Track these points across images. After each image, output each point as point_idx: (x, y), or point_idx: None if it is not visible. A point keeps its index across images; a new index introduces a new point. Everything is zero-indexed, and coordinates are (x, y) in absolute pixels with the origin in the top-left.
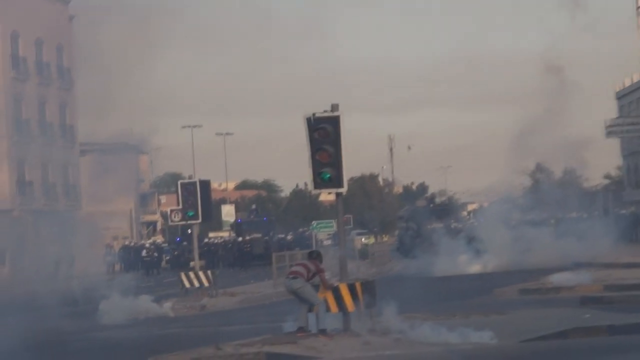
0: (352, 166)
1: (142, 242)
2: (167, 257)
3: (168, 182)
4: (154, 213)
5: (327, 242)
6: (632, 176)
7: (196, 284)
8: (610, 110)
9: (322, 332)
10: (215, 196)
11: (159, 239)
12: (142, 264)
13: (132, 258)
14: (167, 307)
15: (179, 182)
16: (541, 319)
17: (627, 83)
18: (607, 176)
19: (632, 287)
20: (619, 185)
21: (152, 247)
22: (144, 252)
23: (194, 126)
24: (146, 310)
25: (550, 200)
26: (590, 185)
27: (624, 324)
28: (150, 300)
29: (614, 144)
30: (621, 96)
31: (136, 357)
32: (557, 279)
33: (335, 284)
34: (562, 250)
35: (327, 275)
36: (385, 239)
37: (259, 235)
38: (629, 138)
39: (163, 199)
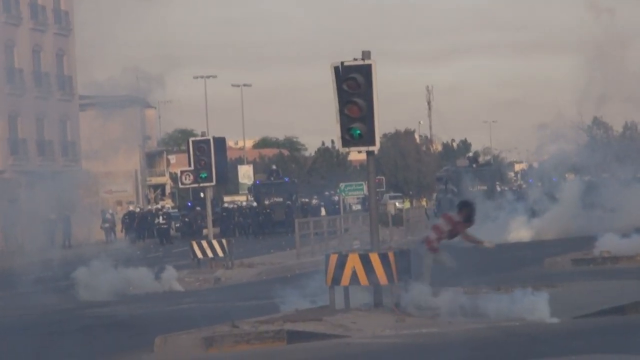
0: (385, 121)
1: (149, 207)
2: (177, 225)
3: (178, 140)
4: (162, 175)
5: (356, 207)
6: None
7: (209, 254)
8: None
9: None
10: (231, 155)
11: (168, 203)
12: (157, 231)
13: (139, 225)
14: (168, 279)
15: (190, 140)
16: (597, 292)
17: None
18: None
19: None
20: None
21: (161, 213)
22: (160, 219)
23: (208, 77)
24: (139, 286)
25: (610, 158)
26: None
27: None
28: (150, 273)
29: None
30: None
31: (143, 336)
32: (616, 246)
33: (487, 244)
34: (621, 215)
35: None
36: (423, 203)
37: (279, 199)
38: None
39: (172, 158)
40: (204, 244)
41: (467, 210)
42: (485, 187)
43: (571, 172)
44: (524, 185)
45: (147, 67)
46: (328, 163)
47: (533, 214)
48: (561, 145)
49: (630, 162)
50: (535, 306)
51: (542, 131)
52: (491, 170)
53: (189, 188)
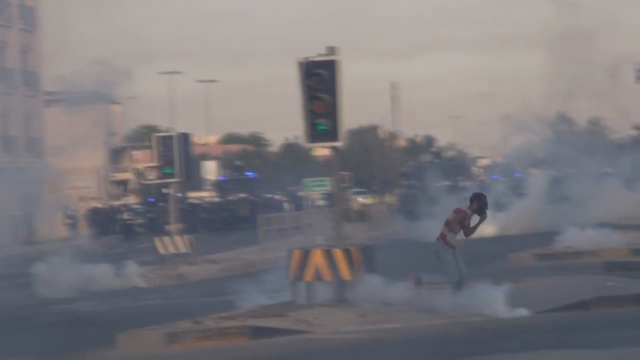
0: (350, 117)
1: (114, 203)
2: (141, 220)
3: (143, 136)
4: (127, 171)
5: (319, 202)
6: None
7: (173, 250)
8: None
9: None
10: (196, 151)
11: (132, 199)
12: (121, 227)
13: (103, 221)
14: (130, 276)
15: (155, 136)
16: (560, 287)
17: None
18: (636, 127)
19: None
20: None
21: (124, 208)
22: (126, 215)
23: (173, 72)
24: (101, 282)
25: (573, 154)
26: (618, 137)
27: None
28: (112, 269)
29: None
30: None
31: (106, 333)
32: (579, 241)
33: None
34: (584, 210)
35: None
36: (388, 198)
37: (244, 195)
38: None
39: (137, 154)
40: (168, 240)
41: (478, 203)
42: (449, 182)
43: (535, 167)
44: (488, 181)
45: (112, 63)
46: (293, 159)
47: (497, 209)
48: (525, 138)
49: (594, 157)
50: (497, 301)
51: (505, 123)
52: (455, 166)
53: (153, 184)
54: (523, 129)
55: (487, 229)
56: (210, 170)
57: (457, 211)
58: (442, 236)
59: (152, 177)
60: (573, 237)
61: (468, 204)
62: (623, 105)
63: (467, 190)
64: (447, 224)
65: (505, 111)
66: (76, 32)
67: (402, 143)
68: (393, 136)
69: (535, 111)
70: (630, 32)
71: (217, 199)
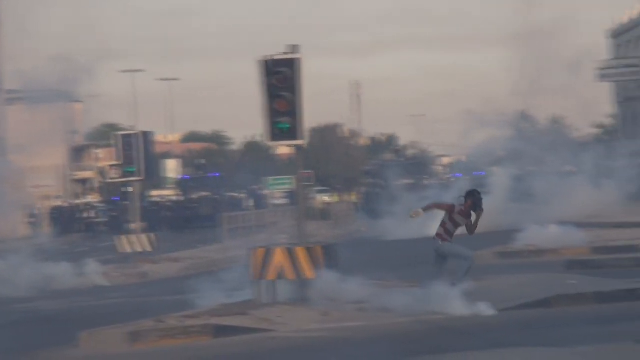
0: (312, 115)
1: (77, 202)
2: (104, 219)
3: (105, 134)
4: (89, 169)
5: (280, 201)
6: (628, 125)
7: (136, 248)
8: (604, 50)
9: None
10: (158, 150)
11: (95, 198)
12: (84, 226)
13: (66, 219)
14: (92, 274)
15: (116, 134)
16: (521, 285)
17: (625, 20)
18: (599, 125)
19: (622, 249)
20: (612, 135)
21: (86, 207)
22: (90, 213)
23: (135, 71)
24: (63, 281)
25: (535, 152)
26: (580, 135)
27: (613, 291)
28: (73, 267)
29: (608, 88)
30: (617, 35)
31: (68, 332)
32: (541, 239)
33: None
34: (546, 208)
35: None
36: (352, 197)
37: (207, 193)
38: (624, 82)
39: (100, 153)
40: (131, 238)
41: (472, 199)
42: (411, 181)
43: (497, 166)
44: (452, 179)
45: (74, 60)
46: (256, 157)
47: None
48: (487, 135)
49: (556, 155)
50: (458, 300)
51: (467, 118)
52: (417, 164)
53: (116, 182)
54: (485, 124)
55: None
56: (172, 168)
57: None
58: (439, 235)
59: (114, 176)
60: (535, 235)
61: (462, 202)
62: (584, 104)
63: (429, 189)
64: (442, 224)
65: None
66: (37, 30)
67: (364, 141)
68: (355, 135)
69: (497, 109)
70: (591, 29)
71: (179, 198)
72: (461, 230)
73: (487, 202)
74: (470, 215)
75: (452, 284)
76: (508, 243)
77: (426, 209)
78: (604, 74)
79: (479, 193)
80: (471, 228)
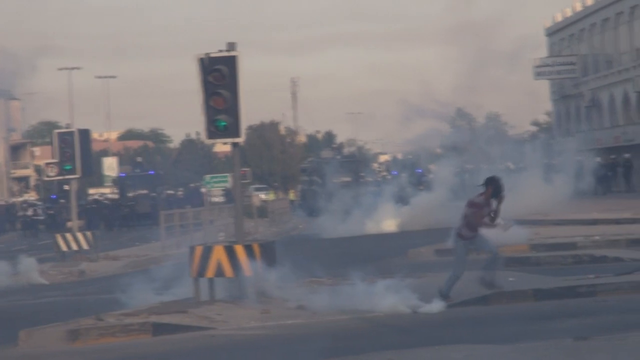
0: (250, 113)
1: (14, 199)
2: (42, 217)
3: (43, 132)
4: (27, 167)
5: (217, 199)
6: (563, 123)
7: (74, 247)
8: (539, 48)
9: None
10: (95, 147)
11: (32, 196)
12: (23, 224)
13: (3, 218)
14: (28, 272)
15: (54, 132)
16: (460, 282)
17: (559, 18)
18: (534, 123)
19: (561, 246)
20: (547, 133)
21: (25, 205)
22: (30, 211)
23: (73, 68)
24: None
25: (473, 149)
26: (517, 133)
27: (552, 288)
28: (9, 266)
29: (543, 86)
30: (551, 33)
31: (6, 330)
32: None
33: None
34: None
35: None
36: (290, 195)
37: (144, 191)
38: (559, 80)
39: (37, 151)
40: (69, 236)
41: (493, 186)
42: (349, 179)
43: (434, 163)
44: (389, 177)
45: (12, 57)
46: (193, 155)
47: (398, 204)
48: (425, 128)
49: (495, 152)
50: (397, 297)
51: (405, 108)
52: (355, 162)
53: (53, 180)
54: (422, 114)
55: (388, 224)
56: (111, 166)
57: (470, 204)
58: (457, 232)
59: (52, 174)
60: None
61: (483, 189)
62: (521, 101)
63: (368, 186)
64: (465, 218)
65: (407, 107)
66: None
67: (302, 139)
68: (293, 132)
69: (434, 107)
70: (532, 26)
71: (116, 196)
72: None
73: (426, 200)
74: (491, 202)
75: (439, 290)
76: (447, 240)
77: (488, 225)
78: (540, 72)
79: (499, 179)
80: (495, 216)
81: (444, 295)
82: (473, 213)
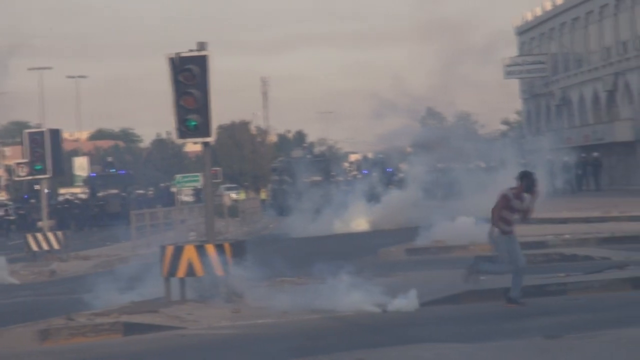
0: (221, 113)
1: None
2: (12, 217)
3: (13, 132)
4: None
5: (187, 198)
6: (533, 122)
7: (45, 246)
8: (510, 47)
9: (510, 300)
10: (66, 147)
11: (2, 196)
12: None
13: None
14: (2, 272)
15: (25, 132)
16: (431, 281)
17: (529, 17)
18: (505, 122)
19: (531, 245)
20: (517, 132)
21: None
22: (1, 211)
23: (43, 68)
24: None
25: (444, 148)
26: (487, 132)
27: (522, 287)
28: None
29: (513, 85)
30: (521, 32)
31: None
32: (450, 236)
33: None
34: (458, 204)
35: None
36: (262, 194)
37: (115, 191)
38: (530, 79)
39: (7, 150)
40: (40, 236)
41: (526, 180)
42: (319, 178)
43: (405, 163)
44: (359, 176)
45: None
46: (164, 155)
47: (369, 203)
48: (395, 126)
49: (465, 151)
50: (368, 296)
51: (376, 104)
52: (325, 161)
53: (24, 180)
54: (393, 111)
55: (359, 223)
56: (81, 166)
57: (499, 196)
58: (493, 225)
59: (23, 174)
60: (444, 232)
61: (517, 183)
62: (491, 100)
63: (338, 185)
64: (493, 211)
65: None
66: None
67: (273, 138)
68: (264, 132)
69: (406, 103)
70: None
71: (87, 196)
72: None
73: (397, 199)
74: (524, 197)
75: (509, 297)
76: (417, 239)
77: (495, 224)
78: (510, 71)
79: (533, 174)
80: (526, 212)
81: (515, 300)
82: (496, 204)
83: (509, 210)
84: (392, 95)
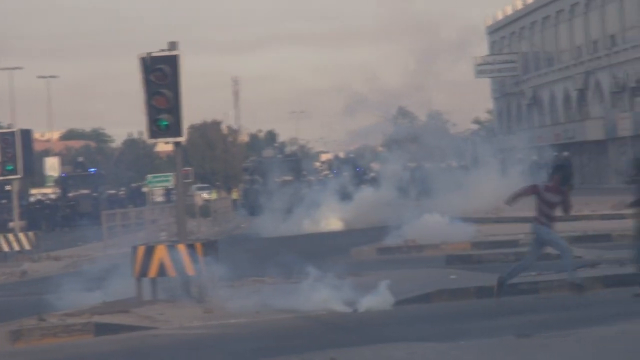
0: (192, 112)
1: None
2: None
3: None
4: None
5: (159, 198)
6: (504, 121)
7: (16, 247)
8: (480, 46)
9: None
10: (37, 147)
11: None
12: None
13: None
14: None
15: None
16: (402, 280)
17: (499, 16)
18: (476, 121)
19: (503, 244)
20: (489, 131)
21: None
22: None
23: (13, 68)
24: None
25: (416, 147)
26: (458, 131)
27: (494, 285)
28: None
29: (484, 84)
30: (492, 31)
31: None
32: (422, 235)
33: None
34: (431, 203)
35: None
36: (234, 194)
37: (86, 191)
38: (500, 78)
39: None
40: (11, 237)
41: (561, 173)
42: (291, 177)
43: (376, 162)
44: (330, 175)
45: None
46: (135, 154)
47: (340, 202)
48: (369, 127)
49: (437, 150)
50: (340, 296)
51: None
52: (297, 161)
53: None
54: (366, 107)
55: (331, 223)
56: (52, 166)
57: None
58: (535, 219)
59: None
60: (415, 231)
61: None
62: (463, 99)
63: (310, 184)
64: (537, 207)
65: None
66: None
67: (244, 138)
68: (235, 131)
69: (377, 101)
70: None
71: (58, 196)
72: None
73: (369, 198)
74: (560, 191)
75: (567, 273)
76: (388, 238)
77: (511, 200)
78: (481, 70)
79: (567, 167)
80: (566, 206)
81: (579, 285)
82: (524, 189)
83: (544, 203)
84: (365, 92)
